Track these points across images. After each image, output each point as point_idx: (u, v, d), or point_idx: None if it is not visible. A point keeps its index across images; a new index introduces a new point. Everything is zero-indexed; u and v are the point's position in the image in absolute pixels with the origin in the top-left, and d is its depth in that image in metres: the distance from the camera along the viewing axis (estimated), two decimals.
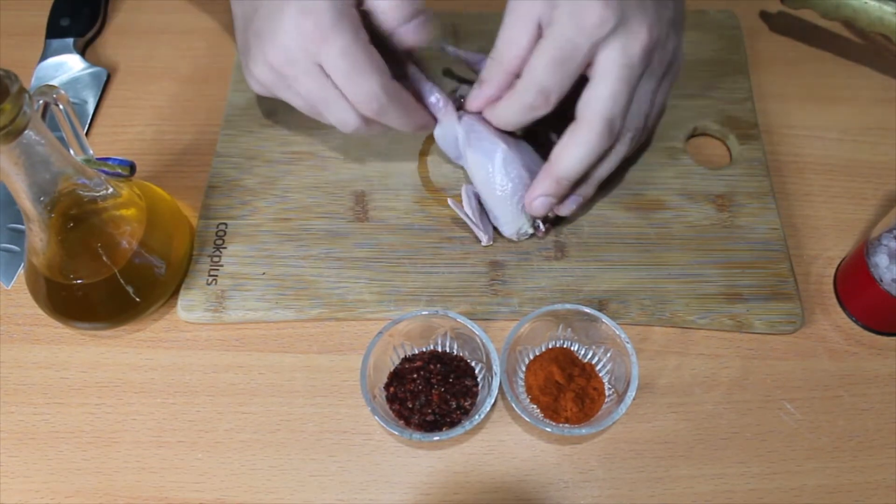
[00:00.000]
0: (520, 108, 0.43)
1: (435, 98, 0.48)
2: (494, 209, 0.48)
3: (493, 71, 0.44)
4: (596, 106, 0.42)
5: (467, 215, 0.48)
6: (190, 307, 0.47)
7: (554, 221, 0.50)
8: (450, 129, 0.48)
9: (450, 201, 0.49)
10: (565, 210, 0.47)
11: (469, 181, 0.50)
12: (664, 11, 0.43)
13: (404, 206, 0.51)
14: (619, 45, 0.41)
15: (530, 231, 0.49)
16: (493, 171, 0.47)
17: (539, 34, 0.42)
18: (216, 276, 0.48)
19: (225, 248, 0.49)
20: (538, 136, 0.49)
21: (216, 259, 0.49)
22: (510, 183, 0.47)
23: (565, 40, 0.40)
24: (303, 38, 0.41)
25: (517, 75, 0.43)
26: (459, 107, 0.50)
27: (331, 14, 0.40)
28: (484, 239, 0.49)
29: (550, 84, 0.41)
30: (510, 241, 0.49)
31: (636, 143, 0.46)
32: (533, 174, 0.47)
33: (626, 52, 0.41)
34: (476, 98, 0.46)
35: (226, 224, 0.50)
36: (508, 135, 0.47)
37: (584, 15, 0.40)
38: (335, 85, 0.42)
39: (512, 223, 0.48)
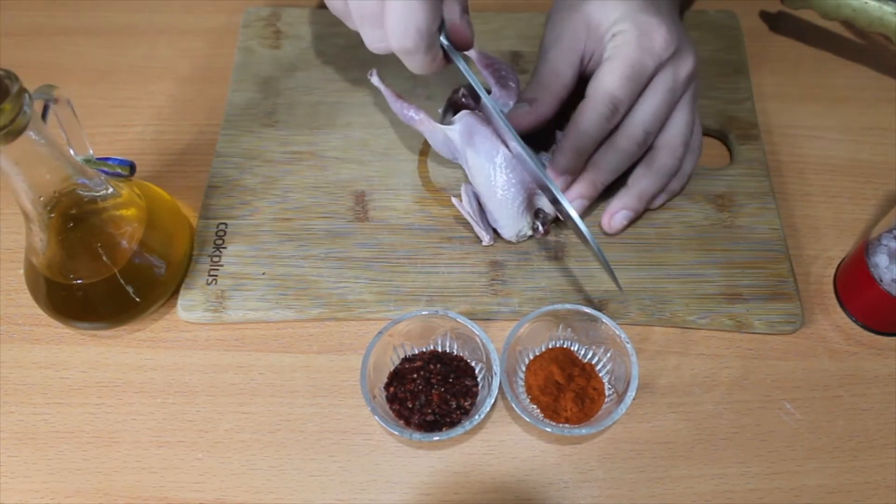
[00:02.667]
0: (597, 117, 0.46)
1: (412, 113, 0.48)
2: (494, 212, 0.48)
3: (543, 94, 0.47)
4: (639, 120, 0.47)
5: (469, 214, 0.48)
6: (190, 307, 0.47)
7: (553, 222, 0.50)
8: (436, 134, 0.48)
9: (453, 199, 0.49)
10: (617, 223, 0.49)
11: (469, 181, 0.50)
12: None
13: (404, 206, 0.51)
14: (671, 69, 0.46)
15: (529, 233, 0.49)
16: (494, 173, 0.46)
17: (582, 66, 0.48)
18: (216, 276, 0.48)
19: (225, 248, 0.49)
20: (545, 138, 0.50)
21: (216, 259, 0.49)
22: (511, 187, 0.46)
23: (635, 60, 0.45)
24: None
25: (562, 99, 0.48)
26: (458, 107, 0.49)
27: None
28: (485, 238, 0.48)
29: (621, 96, 0.45)
30: (510, 241, 0.49)
31: (696, 158, 0.51)
32: (535, 178, 0.47)
33: (676, 76, 0.47)
34: (528, 115, 0.47)
35: (226, 224, 0.50)
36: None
37: (652, 39, 0.45)
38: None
39: (512, 226, 0.48)
